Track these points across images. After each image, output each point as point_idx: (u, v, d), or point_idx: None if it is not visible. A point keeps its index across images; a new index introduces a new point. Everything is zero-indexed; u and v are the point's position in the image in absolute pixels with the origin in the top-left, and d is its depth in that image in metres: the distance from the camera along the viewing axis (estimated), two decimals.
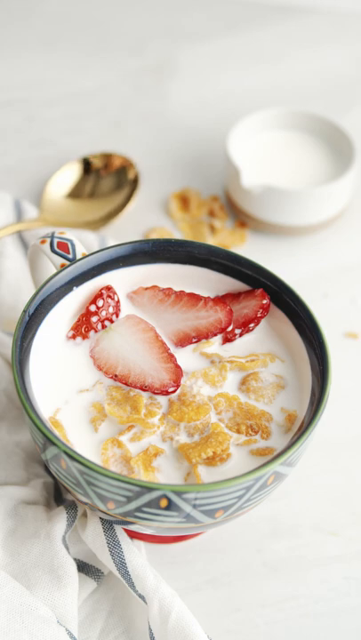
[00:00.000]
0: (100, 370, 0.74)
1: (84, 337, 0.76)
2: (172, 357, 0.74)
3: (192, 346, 0.77)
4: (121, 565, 0.73)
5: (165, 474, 0.70)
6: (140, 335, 0.75)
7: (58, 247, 0.77)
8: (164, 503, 0.65)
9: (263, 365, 0.76)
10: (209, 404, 0.73)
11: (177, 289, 0.78)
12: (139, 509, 0.66)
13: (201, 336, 0.76)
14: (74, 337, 0.76)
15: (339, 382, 0.88)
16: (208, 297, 0.77)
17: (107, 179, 1.02)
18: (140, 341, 0.75)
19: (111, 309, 0.77)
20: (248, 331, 0.77)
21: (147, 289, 0.78)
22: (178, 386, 0.73)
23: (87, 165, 1.02)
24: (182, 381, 0.74)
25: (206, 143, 1.13)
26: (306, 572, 0.79)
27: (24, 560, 0.74)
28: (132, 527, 0.70)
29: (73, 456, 0.65)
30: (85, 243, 0.94)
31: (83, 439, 0.71)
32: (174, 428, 0.72)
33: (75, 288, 0.76)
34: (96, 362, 0.75)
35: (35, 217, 0.99)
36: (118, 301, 0.77)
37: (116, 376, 0.74)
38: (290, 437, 0.71)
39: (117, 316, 0.77)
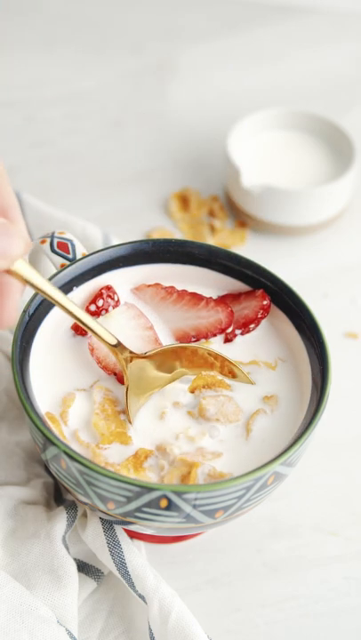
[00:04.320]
0: (99, 363, 0.74)
1: (84, 337, 0.76)
2: None
3: None
4: (121, 565, 0.73)
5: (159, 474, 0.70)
6: (140, 332, 0.75)
7: (58, 247, 0.77)
8: (164, 503, 0.65)
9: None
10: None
11: (178, 289, 0.78)
12: (139, 509, 0.66)
13: (200, 335, 0.76)
14: (74, 337, 0.76)
15: (339, 382, 0.88)
16: (210, 297, 0.77)
17: None
18: (139, 339, 0.75)
19: (111, 309, 0.77)
20: (248, 331, 0.77)
21: (149, 286, 0.78)
22: None
23: None
24: (164, 442, 0.71)
25: (206, 143, 1.13)
26: (306, 572, 0.79)
27: (24, 560, 0.74)
28: (132, 527, 0.70)
29: (73, 456, 0.65)
30: (89, 238, 0.94)
31: None
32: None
33: (75, 288, 0.76)
34: (94, 353, 0.74)
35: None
36: (118, 301, 0.77)
37: (115, 375, 0.74)
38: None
39: None
